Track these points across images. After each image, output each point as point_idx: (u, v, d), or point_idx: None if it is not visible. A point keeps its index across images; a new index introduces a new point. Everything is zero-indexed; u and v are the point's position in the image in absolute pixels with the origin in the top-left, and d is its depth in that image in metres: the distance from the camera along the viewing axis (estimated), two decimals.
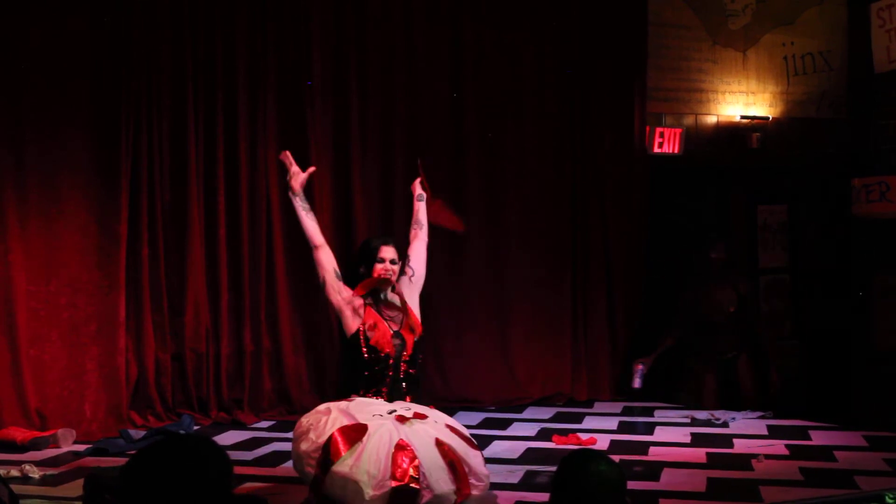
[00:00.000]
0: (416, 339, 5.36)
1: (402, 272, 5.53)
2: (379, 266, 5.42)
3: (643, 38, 8.56)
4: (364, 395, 5.23)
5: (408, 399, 5.27)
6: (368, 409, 5.03)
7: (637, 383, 7.95)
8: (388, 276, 5.42)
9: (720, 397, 7.87)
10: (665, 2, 8.70)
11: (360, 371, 5.28)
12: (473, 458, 4.96)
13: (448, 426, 5.04)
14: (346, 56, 7.76)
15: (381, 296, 5.42)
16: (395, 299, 5.45)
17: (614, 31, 8.50)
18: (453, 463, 4.81)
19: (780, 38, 9.14)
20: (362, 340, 5.27)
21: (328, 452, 4.76)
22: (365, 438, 4.77)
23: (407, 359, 5.31)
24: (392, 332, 5.31)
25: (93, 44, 7.02)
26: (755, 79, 9.02)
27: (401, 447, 4.75)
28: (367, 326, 5.28)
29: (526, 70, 8.29)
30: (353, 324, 5.33)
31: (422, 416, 5.00)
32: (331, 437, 4.79)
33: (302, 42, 7.62)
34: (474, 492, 4.88)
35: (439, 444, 4.83)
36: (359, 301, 5.36)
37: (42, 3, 6.90)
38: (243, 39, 7.45)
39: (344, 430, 4.81)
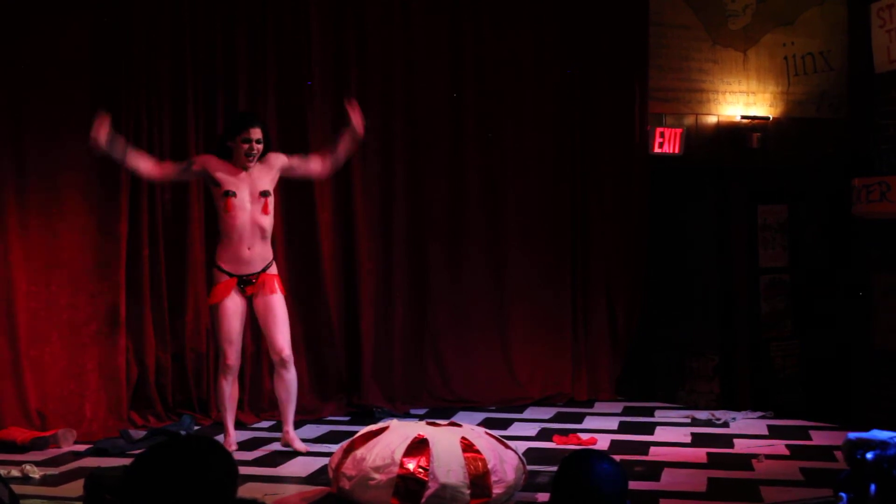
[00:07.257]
0: None
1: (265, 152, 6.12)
2: (244, 145, 6.02)
3: (644, 38, 8.54)
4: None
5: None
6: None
7: None
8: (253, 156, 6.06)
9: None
10: (665, 2, 8.69)
11: None
12: (507, 459, 5.05)
13: (485, 432, 5.25)
14: (346, 56, 7.76)
15: None
16: None
17: (614, 31, 8.49)
18: (474, 460, 4.85)
19: (781, 38, 9.13)
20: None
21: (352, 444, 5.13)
22: (383, 433, 4.96)
23: None
24: None
25: (93, 44, 7.02)
26: (755, 79, 9.01)
27: (417, 441, 4.85)
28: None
29: (526, 70, 8.28)
30: None
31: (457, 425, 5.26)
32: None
33: (302, 42, 7.61)
34: (496, 490, 4.92)
35: (463, 439, 4.93)
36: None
37: (42, 3, 6.89)
38: (243, 39, 7.44)
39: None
